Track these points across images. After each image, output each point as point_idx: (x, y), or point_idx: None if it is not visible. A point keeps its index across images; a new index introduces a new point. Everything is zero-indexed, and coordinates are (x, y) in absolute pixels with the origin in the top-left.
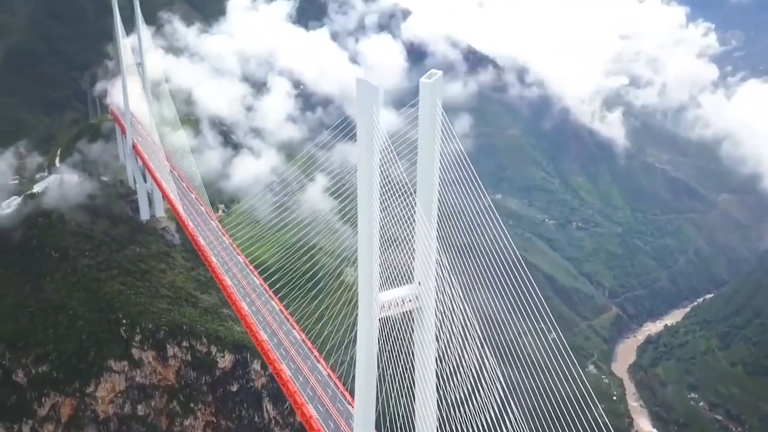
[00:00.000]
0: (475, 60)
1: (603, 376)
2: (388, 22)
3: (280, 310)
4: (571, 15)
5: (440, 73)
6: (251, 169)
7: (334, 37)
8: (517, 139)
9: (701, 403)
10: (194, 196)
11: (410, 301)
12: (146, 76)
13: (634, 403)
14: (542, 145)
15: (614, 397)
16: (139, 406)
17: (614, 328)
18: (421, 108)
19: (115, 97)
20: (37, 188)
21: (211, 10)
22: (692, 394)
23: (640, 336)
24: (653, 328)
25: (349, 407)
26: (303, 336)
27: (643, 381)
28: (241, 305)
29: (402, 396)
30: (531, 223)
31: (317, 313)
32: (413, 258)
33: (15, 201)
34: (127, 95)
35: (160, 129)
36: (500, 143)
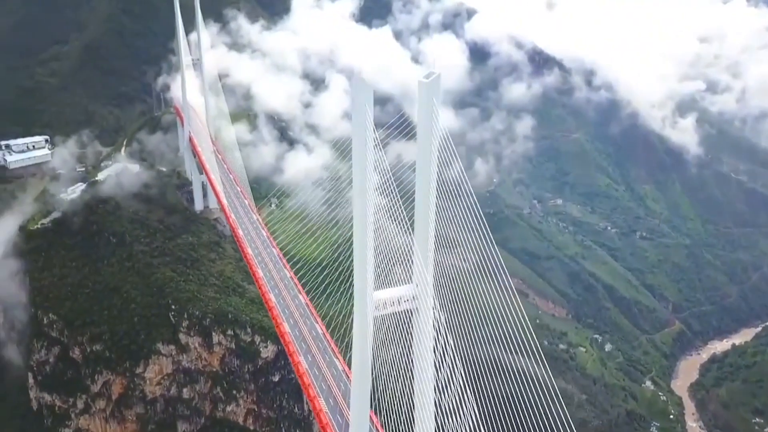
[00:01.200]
0: (540, 61)
1: (660, 393)
2: (452, 22)
3: (306, 303)
4: (646, 16)
5: (438, 72)
6: (304, 165)
7: (397, 35)
8: (581, 143)
9: (766, 429)
10: (240, 189)
11: (407, 301)
12: (204, 71)
13: (693, 423)
14: (608, 150)
15: (671, 416)
16: (185, 390)
17: (676, 345)
18: (419, 108)
19: (175, 91)
20: (100, 176)
21: (276, 8)
22: (757, 419)
23: (705, 354)
24: (719, 346)
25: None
26: (325, 330)
27: (704, 401)
28: (270, 296)
29: (403, 394)
30: (592, 231)
31: (346, 311)
32: (411, 258)
33: (80, 188)
34: (185, 89)
35: (217, 123)
36: (563, 147)
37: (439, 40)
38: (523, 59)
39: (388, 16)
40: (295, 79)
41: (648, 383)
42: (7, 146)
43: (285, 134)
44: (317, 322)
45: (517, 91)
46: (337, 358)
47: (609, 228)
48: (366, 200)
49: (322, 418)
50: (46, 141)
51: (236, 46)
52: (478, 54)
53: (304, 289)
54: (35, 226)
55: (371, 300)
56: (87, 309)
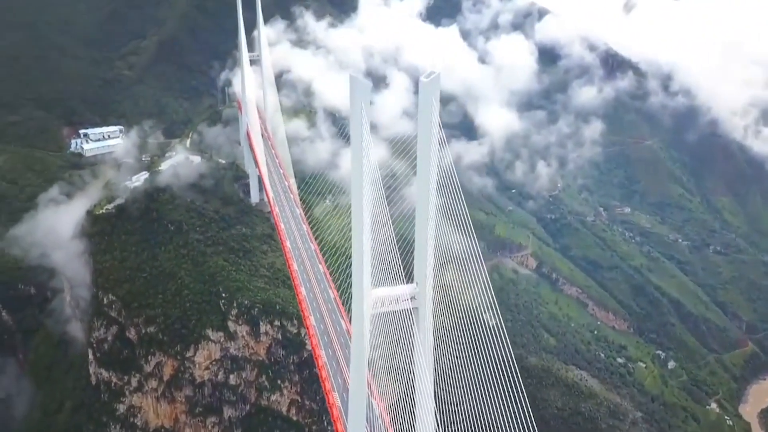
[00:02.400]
0: (614, 64)
1: (727, 417)
2: (523, 22)
3: (335, 298)
4: (729, 17)
5: (438, 72)
6: None
7: (465, 35)
8: (654, 150)
9: None
10: (288, 183)
11: (405, 300)
12: (263, 67)
13: None
14: (683, 159)
15: None
16: (231, 376)
17: (748, 367)
18: (419, 107)
19: (237, 86)
20: (163, 166)
21: (344, 6)
22: None
23: None
24: None
25: (373, 401)
26: (349, 326)
27: None
28: (300, 289)
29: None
30: (661, 242)
31: None
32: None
33: (143, 176)
34: (245, 85)
35: (275, 117)
36: (634, 154)
37: (508, 40)
38: (595, 62)
39: (458, 15)
40: (356, 76)
41: (713, 406)
42: (86, 135)
43: (342, 131)
44: (342, 318)
45: (587, 94)
46: None
47: (680, 240)
48: (362, 195)
49: (334, 411)
50: (120, 131)
51: (301, 42)
52: (548, 55)
53: (336, 284)
54: (100, 211)
55: (369, 297)
56: (143, 292)
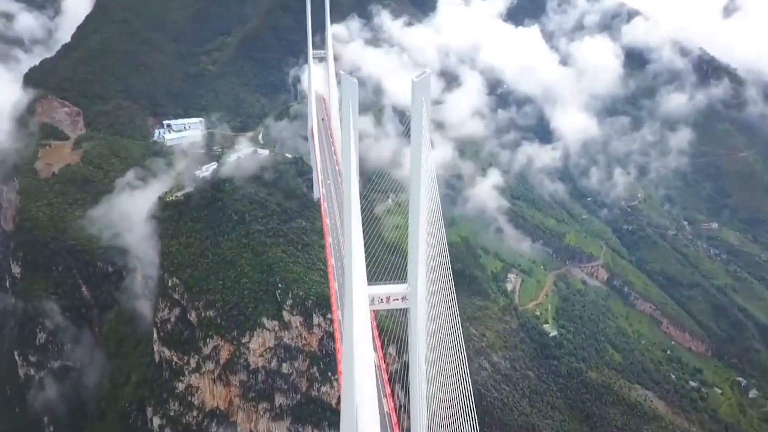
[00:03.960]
0: (708, 70)
1: None
2: (610, 23)
3: None
4: None
5: (428, 71)
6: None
7: (548, 36)
8: (749, 163)
9: None
10: (341, 180)
11: (396, 300)
12: (329, 65)
13: None
14: None
15: None
16: (284, 365)
17: None
18: (412, 107)
19: (305, 82)
20: (231, 158)
21: (423, 6)
22: None
23: None
24: None
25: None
26: (375, 324)
27: None
28: (333, 284)
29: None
30: (750, 262)
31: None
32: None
33: (212, 167)
34: (311, 82)
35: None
36: (727, 166)
37: (592, 42)
38: (687, 67)
39: (542, 15)
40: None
41: None
42: (168, 125)
43: (408, 129)
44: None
45: (676, 101)
46: (375, 351)
47: None
48: (352, 190)
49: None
50: (200, 123)
51: (375, 41)
52: (635, 59)
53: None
54: (171, 198)
55: (362, 293)
56: (205, 277)
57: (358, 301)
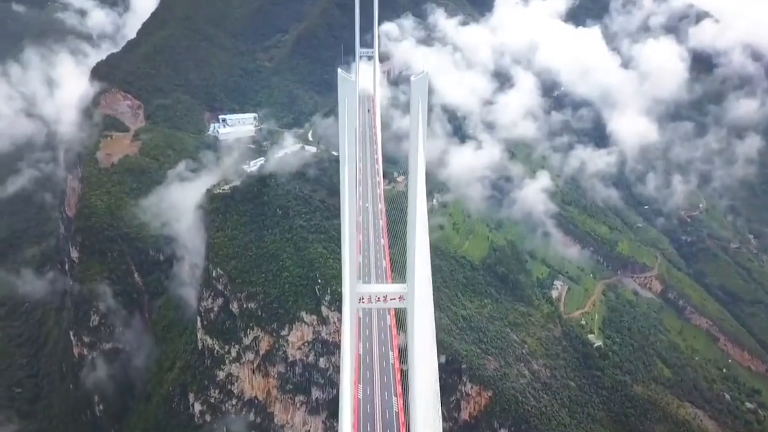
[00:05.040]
0: None
1: None
2: (676, 25)
3: None
4: None
5: (426, 71)
6: (469, 162)
7: (610, 37)
8: None
9: None
10: (379, 179)
11: (393, 299)
12: (376, 64)
13: None
14: None
15: None
16: (321, 359)
17: None
18: (411, 106)
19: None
20: (279, 154)
21: (481, 5)
22: None
23: None
24: None
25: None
26: (394, 323)
27: None
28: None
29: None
30: None
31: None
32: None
33: (260, 162)
34: (358, 80)
35: (389, 113)
36: None
37: (657, 44)
38: (759, 72)
39: (605, 16)
40: (481, 75)
41: None
42: (224, 120)
43: (457, 129)
44: (388, 314)
45: (745, 107)
46: (391, 351)
47: None
48: (351, 189)
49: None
50: (254, 119)
51: (428, 40)
52: (702, 63)
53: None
54: (218, 191)
55: (355, 291)
56: (248, 270)
57: (349, 299)
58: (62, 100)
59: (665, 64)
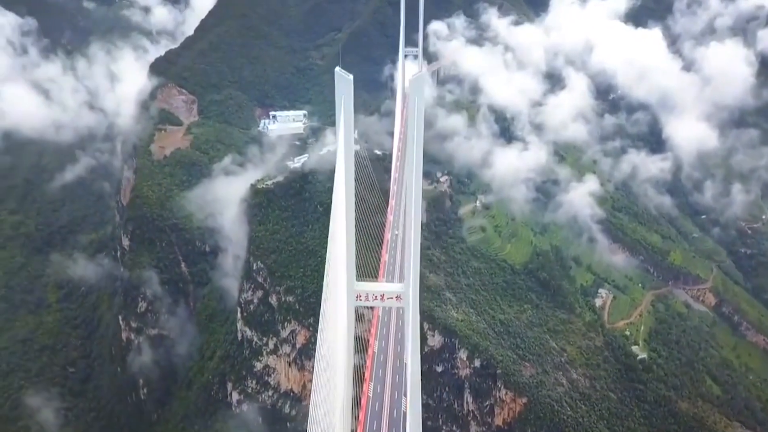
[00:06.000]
0: None
1: None
2: (744, 27)
3: None
4: None
5: (424, 71)
6: (515, 163)
7: (672, 39)
8: None
9: None
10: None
11: (391, 298)
12: (420, 63)
13: None
14: None
15: None
16: (356, 356)
17: None
18: (408, 107)
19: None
20: (322, 151)
21: (536, 5)
22: None
23: None
24: None
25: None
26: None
27: None
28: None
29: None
30: None
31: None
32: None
33: (303, 159)
34: (403, 80)
35: (434, 111)
36: None
37: (722, 47)
38: None
39: (668, 17)
40: (532, 76)
41: None
42: (274, 116)
43: (504, 129)
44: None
45: None
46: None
47: None
48: (348, 186)
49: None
50: (304, 116)
51: (479, 39)
52: None
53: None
54: (262, 186)
55: (351, 289)
56: (287, 264)
57: (342, 297)
58: (122, 94)
59: (730, 68)
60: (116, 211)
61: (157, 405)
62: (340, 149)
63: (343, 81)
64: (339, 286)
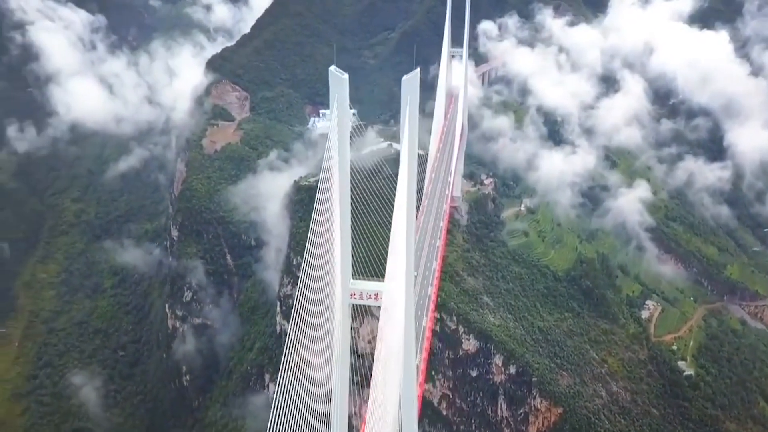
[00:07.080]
0: None
1: None
2: None
3: (431, 295)
4: None
5: (417, 70)
6: (562, 167)
7: (741, 42)
8: None
9: None
10: (452, 180)
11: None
12: (464, 63)
13: None
14: None
15: None
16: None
17: None
18: (402, 106)
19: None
20: (366, 150)
21: (594, 5)
22: None
23: None
24: None
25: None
26: (431, 325)
27: None
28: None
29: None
30: None
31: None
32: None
33: None
34: (443, 80)
35: (480, 112)
36: None
37: None
38: None
39: (737, 19)
40: (586, 78)
41: None
42: (323, 114)
43: (553, 132)
44: (426, 316)
45: None
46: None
47: None
48: (345, 184)
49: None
50: (353, 114)
51: (531, 40)
52: None
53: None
54: (304, 183)
55: (345, 286)
56: None
57: (338, 296)
58: (179, 89)
59: None
60: (169, 203)
61: (199, 392)
62: (333, 147)
63: (338, 80)
64: (335, 284)
